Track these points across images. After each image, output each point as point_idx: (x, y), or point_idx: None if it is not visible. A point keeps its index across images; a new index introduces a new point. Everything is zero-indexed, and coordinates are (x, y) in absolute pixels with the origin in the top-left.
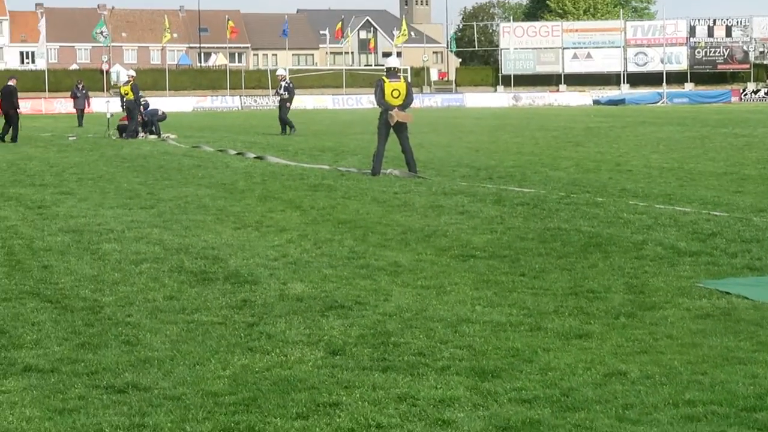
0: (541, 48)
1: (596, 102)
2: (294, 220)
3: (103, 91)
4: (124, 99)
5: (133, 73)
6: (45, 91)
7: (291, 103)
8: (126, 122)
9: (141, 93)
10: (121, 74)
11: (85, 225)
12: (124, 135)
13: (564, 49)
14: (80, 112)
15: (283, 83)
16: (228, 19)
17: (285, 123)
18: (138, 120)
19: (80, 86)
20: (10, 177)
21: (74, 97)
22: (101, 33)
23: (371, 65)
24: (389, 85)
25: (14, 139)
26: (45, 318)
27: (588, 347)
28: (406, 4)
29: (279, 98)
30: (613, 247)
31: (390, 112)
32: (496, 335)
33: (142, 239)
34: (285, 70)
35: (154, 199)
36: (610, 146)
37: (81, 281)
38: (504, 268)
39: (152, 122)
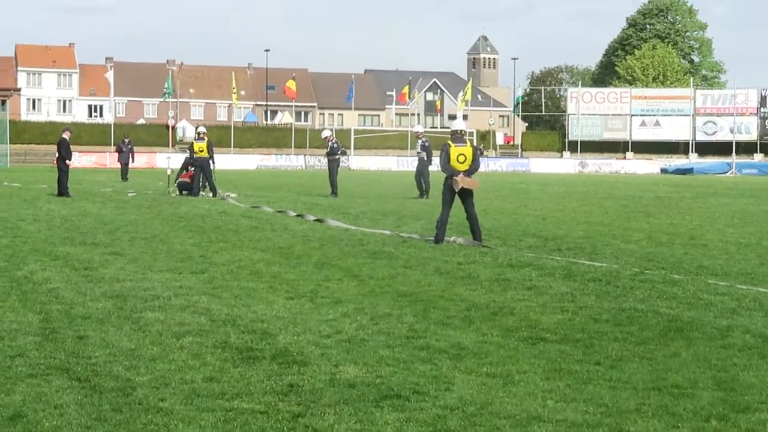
0: (608, 114)
1: (664, 170)
2: (351, 290)
3: (169, 146)
4: (195, 156)
5: (204, 129)
6: (111, 144)
7: (338, 164)
8: (187, 179)
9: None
10: (187, 130)
11: (130, 290)
12: (184, 192)
13: (632, 116)
14: (124, 167)
15: (329, 143)
16: (293, 78)
17: (332, 184)
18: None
19: (126, 141)
20: (62, 234)
21: (119, 151)
22: (165, 90)
23: (437, 127)
24: (455, 150)
25: (59, 193)
26: (69, 400)
27: None
28: (474, 67)
29: (327, 159)
30: (696, 333)
31: (455, 177)
32: None
33: (189, 308)
34: (331, 130)
35: (206, 263)
36: (682, 218)
37: (116, 356)
38: (577, 355)
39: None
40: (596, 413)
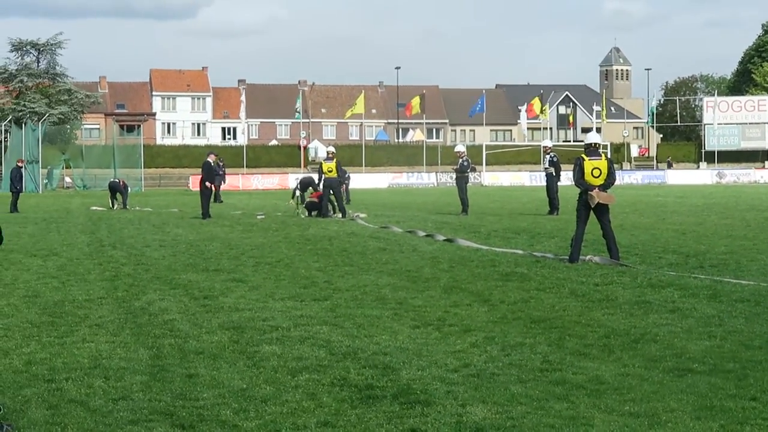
0: (746, 123)
1: None
2: (481, 317)
3: (300, 167)
4: (324, 176)
5: (333, 149)
6: (243, 167)
7: (467, 182)
8: (315, 199)
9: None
10: (319, 150)
11: (248, 320)
12: (313, 214)
13: None
14: (217, 190)
15: (460, 160)
16: (420, 96)
17: (463, 202)
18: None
19: (221, 163)
20: (186, 260)
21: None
22: (296, 110)
23: (570, 141)
24: (589, 164)
25: (203, 215)
26: None
27: None
28: (606, 79)
29: (456, 175)
30: None
31: (590, 192)
32: None
33: (308, 340)
34: (463, 145)
35: (330, 289)
36: None
37: (225, 397)
38: (730, 389)
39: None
40: None
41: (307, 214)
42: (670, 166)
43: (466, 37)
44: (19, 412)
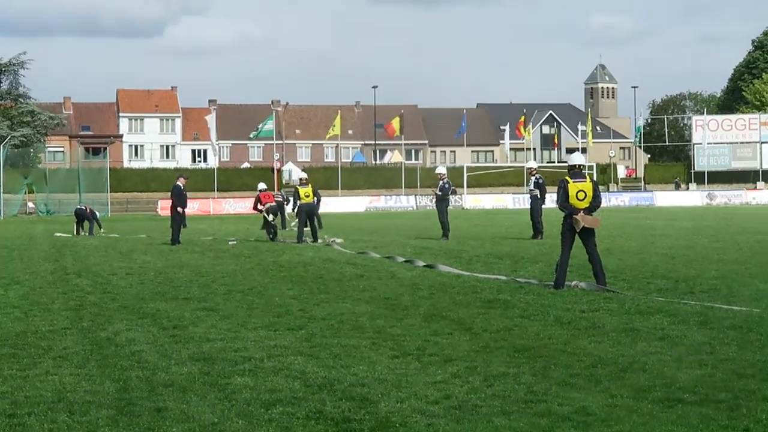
0: (736, 142)
1: None
2: (462, 346)
3: (274, 190)
4: (300, 201)
5: (305, 175)
6: (214, 190)
7: (448, 205)
8: (273, 203)
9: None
10: (293, 172)
11: (220, 351)
12: (271, 216)
13: (762, 143)
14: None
15: (441, 182)
16: (399, 115)
17: (443, 226)
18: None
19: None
20: (154, 288)
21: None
22: (257, 130)
23: (554, 161)
24: (573, 186)
25: (172, 241)
26: None
27: None
28: (591, 97)
29: (436, 198)
30: None
31: (575, 215)
32: None
33: (282, 371)
34: (444, 167)
35: (305, 318)
36: None
37: None
38: (722, 420)
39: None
40: None
41: (269, 222)
42: (678, 186)
43: (445, 55)
44: None
